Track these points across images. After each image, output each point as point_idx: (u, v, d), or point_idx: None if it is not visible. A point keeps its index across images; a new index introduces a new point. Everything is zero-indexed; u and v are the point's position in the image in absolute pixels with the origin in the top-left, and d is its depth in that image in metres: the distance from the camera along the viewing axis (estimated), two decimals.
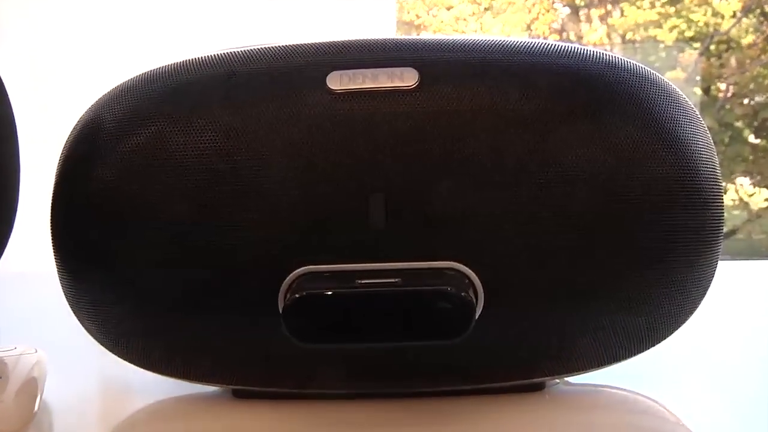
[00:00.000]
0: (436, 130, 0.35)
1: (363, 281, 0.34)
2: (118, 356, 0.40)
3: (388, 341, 0.35)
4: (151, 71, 0.38)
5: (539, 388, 0.40)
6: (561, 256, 0.35)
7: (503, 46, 0.37)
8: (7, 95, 0.40)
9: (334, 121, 0.35)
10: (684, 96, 0.38)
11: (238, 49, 0.38)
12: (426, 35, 0.36)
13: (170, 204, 0.35)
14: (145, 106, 0.36)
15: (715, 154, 0.37)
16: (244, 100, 0.35)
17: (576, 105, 0.35)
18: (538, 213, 0.35)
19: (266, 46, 0.38)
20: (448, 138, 0.35)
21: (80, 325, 0.40)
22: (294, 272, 0.35)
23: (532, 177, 0.34)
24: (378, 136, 0.35)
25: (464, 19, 2.84)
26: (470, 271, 0.35)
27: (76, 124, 0.39)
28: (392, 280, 0.34)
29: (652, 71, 0.38)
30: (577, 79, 0.36)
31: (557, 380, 0.42)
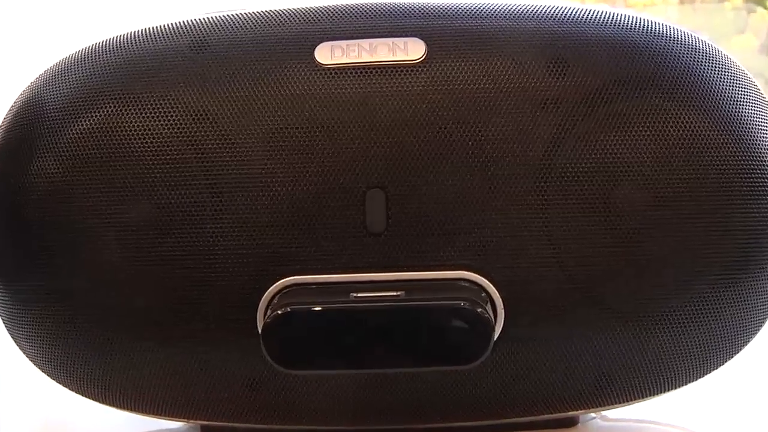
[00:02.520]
0: (446, 114, 0.34)
1: (359, 295, 0.33)
2: (63, 385, 0.38)
3: (390, 367, 0.34)
4: (102, 42, 0.37)
5: (572, 423, 0.39)
6: (597, 265, 0.34)
7: (526, 11, 0.36)
8: None
9: (323, 103, 0.34)
10: (746, 71, 0.37)
11: (208, 15, 0.37)
12: None
13: (125, 203, 0.34)
14: (95, 84, 0.35)
15: None
16: (214, 76, 0.34)
17: (615, 82, 0.34)
18: (570, 213, 0.34)
19: (241, 11, 0.37)
20: (461, 123, 0.34)
21: (20, 353, 0.38)
22: (276, 284, 0.34)
23: (563, 170, 0.33)
24: (377, 121, 0.34)
25: None
26: (487, 282, 0.34)
27: (11, 108, 0.38)
28: (394, 294, 0.33)
29: (708, 42, 0.37)
30: (617, 51, 0.35)
31: (593, 414, 0.41)
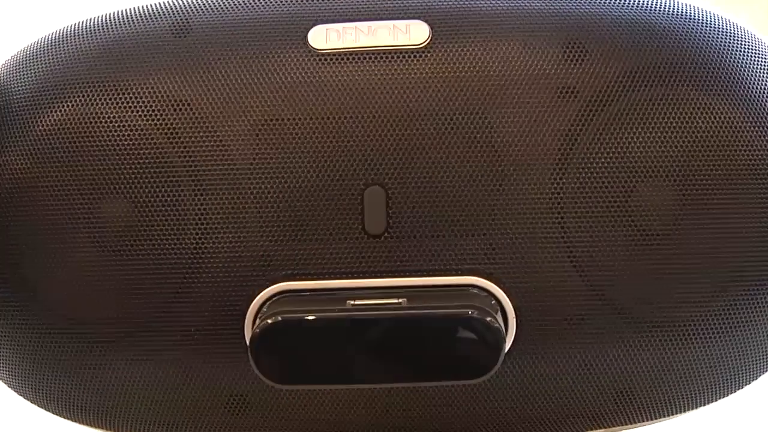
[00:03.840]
0: (452, 104, 0.33)
1: (356, 302, 0.33)
2: (31, 402, 0.38)
3: (390, 382, 0.34)
4: (73, 25, 0.37)
5: None
6: (619, 271, 0.34)
7: None
8: None
9: (317, 92, 0.34)
10: None
11: None
12: None
13: (99, 202, 0.34)
14: (66, 72, 0.35)
15: None
16: (197, 63, 0.34)
17: (637, 69, 0.34)
18: (589, 213, 0.33)
19: None
20: (469, 113, 0.33)
21: None
22: (265, 291, 0.34)
23: (580, 165, 0.33)
24: (376, 112, 0.33)
25: None
26: (498, 289, 0.34)
27: None
28: (395, 302, 0.33)
29: (741, 26, 0.36)
30: (639, 34, 0.34)
31: None
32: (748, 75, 0.34)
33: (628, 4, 0.35)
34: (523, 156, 0.33)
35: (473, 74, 0.34)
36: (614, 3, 0.35)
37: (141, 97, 0.34)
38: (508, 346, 0.34)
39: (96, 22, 0.36)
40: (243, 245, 0.34)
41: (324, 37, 0.34)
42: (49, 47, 0.36)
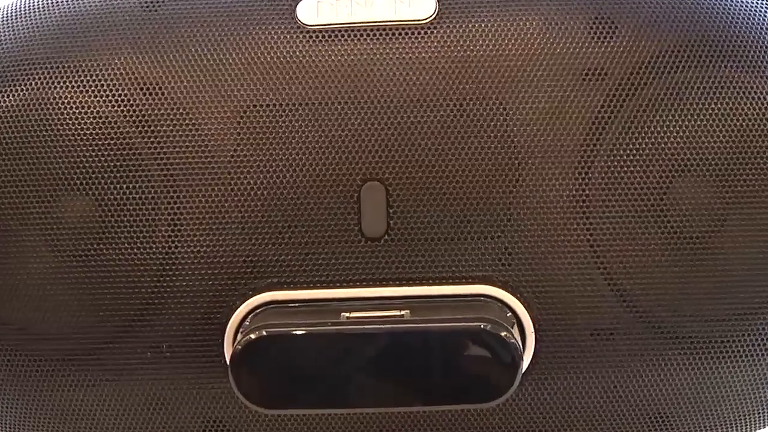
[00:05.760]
0: (461, 88, 0.33)
1: (352, 315, 0.33)
2: None
3: (391, 407, 0.34)
4: None
5: None
6: (654, 279, 0.33)
7: None
8: None
9: (307, 74, 0.33)
10: None
11: None
12: None
13: (57, 200, 0.34)
14: (19, 51, 0.35)
15: None
16: (170, 40, 0.34)
17: (674, 48, 0.33)
18: (618, 213, 0.33)
19: None
20: (480, 99, 0.33)
21: None
22: (248, 302, 0.34)
23: (609, 158, 0.33)
24: (374, 97, 0.33)
25: None
26: (514, 299, 0.34)
27: None
28: (396, 314, 0.33)
29: None
30: (676, 8, 0.34)
31: None
32: None
33: None
34: (543, 147, 0.33)
35: (486, 54, 0.33)
36: None
37: (105, 80, 0.34)
38: (525, 364, 0.34)
39: None
40: (222, 249, 0.33)
41: (315, 11, 0.34)
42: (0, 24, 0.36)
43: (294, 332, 0.32)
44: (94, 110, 0.34)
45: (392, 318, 0.33)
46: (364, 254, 0.33)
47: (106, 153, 0.33)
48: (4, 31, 0.36)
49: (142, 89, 0.34)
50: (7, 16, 0.36)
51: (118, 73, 0.34)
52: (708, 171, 0.33)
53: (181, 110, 0.33)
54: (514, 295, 0.33)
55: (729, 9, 0.34)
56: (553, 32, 0.33)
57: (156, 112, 0.33)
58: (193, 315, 0.34)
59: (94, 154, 0.34)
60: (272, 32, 0.34)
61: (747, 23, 0.34)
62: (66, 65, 0.34)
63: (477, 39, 0.34)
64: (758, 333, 0.34)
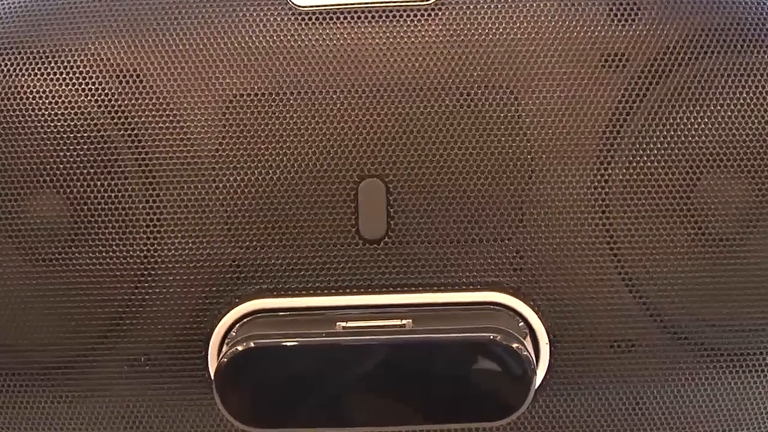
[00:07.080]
0: (468, 74, 0.33)
1: (348, 325, 0.32)
2: None
3: (392, 425, 0.33)
4: None
5: None
6: (680, 286, 0.33)
7: None
8: None
9: (300, 59, 0.33)
10: None
11: None
12: None
13: (24, 199, 0.33)
14: None
15: None
16: (148, 23, 0.33)
17: (701, 32, 0.33)
18: (641, 214, 0.33)
19: None
20: (489, 86, 0.33)
21: None
22: (234, 310, 0.33)
23: (631, 153, 0.33)
24: (373, 84, 0.33)
25: None
26: (527, 308, 0.33)
27: None
28: (397, 324, 0.32)
29: None
30: None
31: None
32: None
33: None
34: (558, 140, 0.33)
35: (494, 37, 0.33)
36: None
37: (76, 67, 0.33)
38: (539, 379, 0.33)
39: None
40: (206, 252, 0.33)
41: None
42: None
43: (285, 344, 0.31)
44: (66, 101, 0.33)
45: (392, 328, 0.32)
46: (361, 258, 0.33)
47: (78, 147, 0.33)
48: None
49: (118, 77, 0.33)
50: None
51: (91, 59, 0.33)
52: (739, 166, 0.33)
53: (161, 100, 0.33)
54: (526, 302, 0.33)
55: None
56: (569, 14, 0.33)
57: (133, 102, 0.33)
58: (174, 325, 0.33)
59: (65, 148, 0.33)
60: (262, 14, 0.33)
61: None
62: (33, 52, 0.34)
63: (485, 21, 0.34)
64: None
